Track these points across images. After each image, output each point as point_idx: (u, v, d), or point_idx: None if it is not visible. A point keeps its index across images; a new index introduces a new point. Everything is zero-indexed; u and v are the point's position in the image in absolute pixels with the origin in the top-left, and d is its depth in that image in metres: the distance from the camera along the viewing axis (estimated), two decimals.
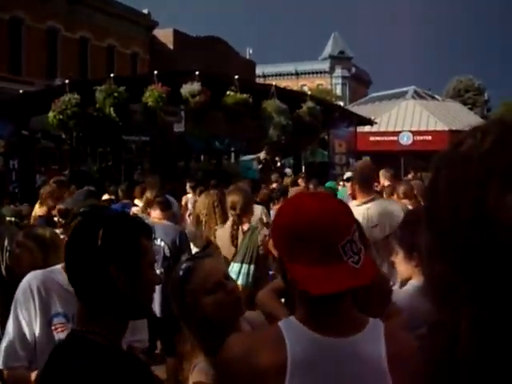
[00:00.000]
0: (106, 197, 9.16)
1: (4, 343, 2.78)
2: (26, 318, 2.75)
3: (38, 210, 6.88)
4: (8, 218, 5.53)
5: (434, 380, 0.86)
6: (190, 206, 9.84)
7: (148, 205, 6.80)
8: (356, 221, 1.65)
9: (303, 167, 19.24)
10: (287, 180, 12.50)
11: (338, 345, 1.60)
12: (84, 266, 1.72)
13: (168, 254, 5.66)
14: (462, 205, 0.77)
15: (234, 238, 5.16)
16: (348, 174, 10.90)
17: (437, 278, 0.81)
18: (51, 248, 3.26)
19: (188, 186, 11.38)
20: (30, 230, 3.47)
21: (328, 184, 10.90)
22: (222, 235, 5.25)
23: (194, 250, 5.84)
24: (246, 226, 5.22)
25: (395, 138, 26.74)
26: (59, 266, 2.86)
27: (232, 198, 5.35)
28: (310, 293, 1.56)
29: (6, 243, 3.79)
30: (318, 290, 1.54)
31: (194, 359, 2.33)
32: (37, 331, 2.75)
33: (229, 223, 5.23)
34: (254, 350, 1.61)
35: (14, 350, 2.73)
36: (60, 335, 2.69)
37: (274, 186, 11.60)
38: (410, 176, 10.93)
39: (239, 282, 4.82)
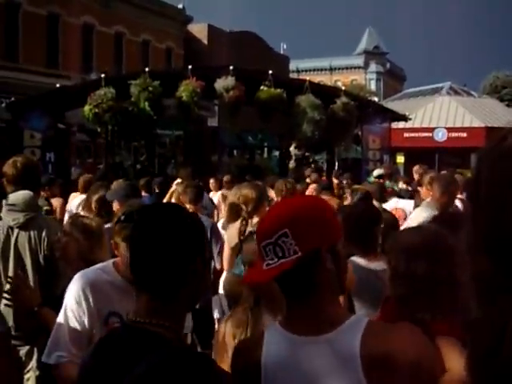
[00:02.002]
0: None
1: (54, 340, 2.76)
2: (78, 318, 2.73)
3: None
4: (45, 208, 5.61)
5: (478, 379, 0.84)
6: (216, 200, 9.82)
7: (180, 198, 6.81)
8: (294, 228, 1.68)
9: (336, 163, 19.12)
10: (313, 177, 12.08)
11: (310, 343, 1.67)
12: (170, 259, 1.73)
13: None
14: (509, 200, 0.75)
15: (241, 234, 5.20)
16: (378, 172, 10.79)
17: (481, 276, 0.79)
18: (97, 237, 3.29)
19: (211, 182, 11.31)
20: (77, 220, 3.51)
21: (370, 179, 10.81)
22: (233, 229, 5.32)
23: None
24: (255, 221, 5.25)
25: (430, 135, 26.44)
26: (110, 263, 2.86)
27: (245, 194, 5.37)
28: (284, 295, 1.75)
29: (44, 234, 3.84)
30: (244, 279, 1.92)
31: (225, 353, 2.40)
32: (91, 330, 2.73)
33: (239, 220, 5.27)
34: (240, 350, 1.85)
35: (64, 347, 2.70)
36: None
37: (308, 180, 11.41)
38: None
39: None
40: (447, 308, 2.08)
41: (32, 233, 3.84)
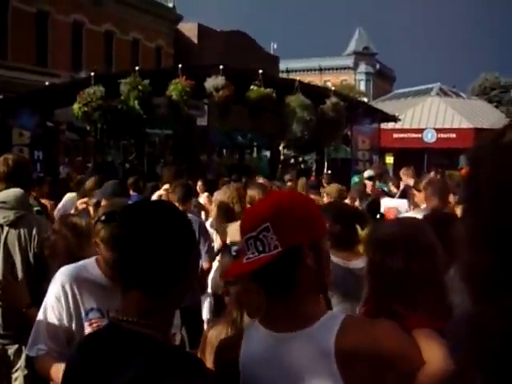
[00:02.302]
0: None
1: (33, 335, 2.81)
2: (57, 314, 2.76)
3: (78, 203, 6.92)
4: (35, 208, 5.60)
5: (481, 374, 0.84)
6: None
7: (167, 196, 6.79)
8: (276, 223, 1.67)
9: (326, 163, 19.16)
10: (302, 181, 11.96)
11: (287, 339, 1.67)
12: (164, 257, 1.69)
13: None
14: (509, 193, 0.76)
15: None
16: (369, 173, 10.83)
17: (480, 271, 0.80)
18: (86, 236, 3.29)
19: (199, 184, 10.36)
20: (66, 219, 3.51)
21: (355, 179, 10.81)
22: (235, 230, 5.26)
23: (218, 241, 5.85)
24: None
25: (419, 136, 26.56)
26: (92, 260, 2.88)
27: (251, 194, 5.37)
28: (263, 292, 1.75)
29: (34, 232, 3.83)
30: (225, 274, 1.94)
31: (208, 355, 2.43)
32: (71, 327, 2.77)
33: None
34: (220, 349, 1.88)
35: (43, 342, 2.75)
36: None
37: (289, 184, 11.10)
38: (432, 174, 10.82)
39: None
40: (422, 303, 2.06)
41: (22, 231, 3.83)
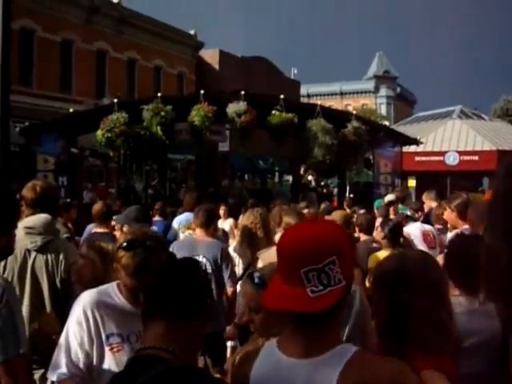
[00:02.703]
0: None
1: (56, 358, 2.82)
2: (78, 338, 2.77)
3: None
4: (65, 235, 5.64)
5: None
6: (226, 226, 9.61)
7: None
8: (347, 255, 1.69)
9: (348, 187, 19.11)
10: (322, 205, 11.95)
11: (295, 366, 1.68)
12: (189, 288, 1.90)
13: (210, 270, 5.67)
14: None
15: None
16: (389, 198, 10.74)
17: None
18: (112, 261, 3.31)
19: (221, 210, 10.20)
20: (94, 243, 3.54)
21: (377, 203, 10.70)
22: (268, 257, 5.23)
23: (241, 266, 5.85)
24: None
25: (441, 158, 26.38)
26: (114, 284, 2.91)
27: (287, 221, 5.34)
28: (287, 316, 1.74)
29: (61, 257, 3.87)
30: (266, 302, 1.77)
31: None
32: (92, 351, 2.77)
33: (274, 247, 5.17)
34: (237, 364, 1.93)
35: (64, 366, 2.76)
36: (117, 355, 2.73)
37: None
38: (463, 195, 10.68)
39: None
40: (429, 342, 2.03)
41: (49, 256, 3.87)
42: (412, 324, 2.07)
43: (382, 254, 5.40)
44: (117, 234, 5.68)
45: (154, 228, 8.51)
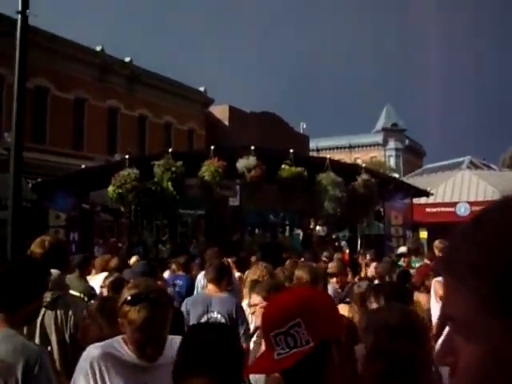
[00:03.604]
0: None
1: None
2: None
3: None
4: (78, 294, 5.61)
5: None
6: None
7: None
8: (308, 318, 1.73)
9: (359, 240, 19.03)
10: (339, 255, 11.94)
11: None
12: (236, 357, 2.02)
13: None
14: None
15: None
16: (401, 250, 10.66)
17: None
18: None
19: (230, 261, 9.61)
20: (104, 306, 3.52)
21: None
22: None
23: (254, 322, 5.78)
24: None
25: (452, 209, 26.30)
26: (119, 338, 2.89)
27: (298, 276, 5.32)
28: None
29: (70, 313, 3.86)
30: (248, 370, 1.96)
31: None
32: None
33: None
34: None
35: None
36: None
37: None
38: None
39: None
40: None
41: (59, 312, 3.86)
42: (418, 371, 2.20)
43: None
44: (104, 290, 5.59)
45: (179, 282, 8.52)
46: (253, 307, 4.25)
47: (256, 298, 4.23)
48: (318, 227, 24.78)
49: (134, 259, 9.33)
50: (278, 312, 1.73)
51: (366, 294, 4.23)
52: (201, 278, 8.30)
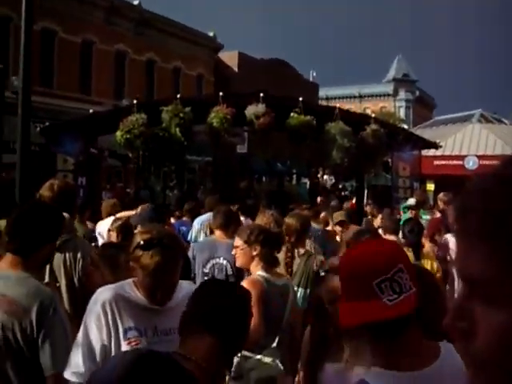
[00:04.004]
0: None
1: (73, 355, 2.80)
2: (96, 333, 2.77)
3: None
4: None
5: None
6: None
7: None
8: (409, 264, 1.77)
9: (366, 190, 19.02)
10: (347, 204, 12.04)
11: (415, 378, 1.67)
12: (245, 318, 2.05)
13: (230, 272, 5.67)
14: None
15: (288, 265, 5.23)
16: (410, 202, 10.61)
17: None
18: (123, 270, 3.34)
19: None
20: (106, 254, 3.55)
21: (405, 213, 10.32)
22: None
23: None
24: (302, 250, 5.24)
25: (460, 163, 26.17)
26: (130, 281, 2.93)
27: (288, 224, 5.36)
28: (378, 338, 1.71)
29: (79, 255, 3.90)
30: (343, 322, 1.73)
31: None
32: (109, 345, 2.77)
33: (283, 249, 5.25)
34: None
35: (81, 364, 2.74)
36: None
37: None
38: None
39: (297, 306, 4.90)
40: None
41: (67, 254, 3.90)
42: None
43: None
44: (113, 233, 5.62)
45: (183, 228, 8.58)
46: (234, 249, 4.33)
47: (238, 241, 4.29)
48: (325, 176, 24.83)
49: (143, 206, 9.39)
50: (380, 260, 1.72)
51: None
52: (195, 224, 8.32)
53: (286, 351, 3.86)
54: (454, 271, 5.56)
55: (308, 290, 5.17)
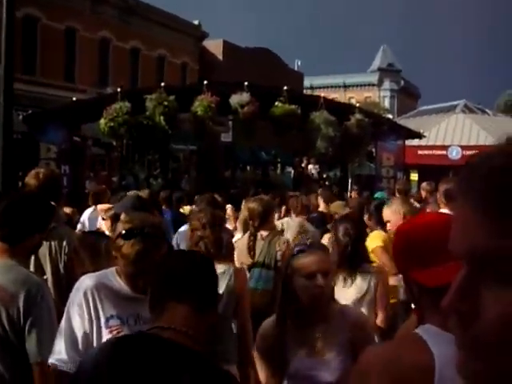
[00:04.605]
0: None
1: (56, 343, 2.82)
2: (78, 321, 2.78)
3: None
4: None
5: None
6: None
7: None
8: None
9: (350, 180, 19.11)
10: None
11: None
12: (215, 284, 2.07)
13: None
14: None
15: (251, 249, 5.29)
16: (381, 194, 10.74)
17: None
18: (104, 257, 3.35)
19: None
20: (86, 241, 3.56)
21: (378, 195, 10.71)
22: (240, 245, 5.42)
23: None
24: (265, 233, 5.32)
25: (444, 153, 26.33)
26: (113, 269, 2.93)
27: (250, 208, 5.42)
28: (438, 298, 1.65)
29: (64, 243, 3.89)
30: (433, 282, 1.70)
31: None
32: (91, 334, 2.78)
33: (247, 234, 5.38)
34: (397, 354, 1.67)
35: (64, 352, 2.76)
36: None
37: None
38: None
39: (261, 287, 4.99)
40: None
41: (53, 243, 3.89)
42: None
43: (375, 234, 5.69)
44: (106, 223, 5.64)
45: (165, 217, 8.56)
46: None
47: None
48: (309, 166, 24.88)
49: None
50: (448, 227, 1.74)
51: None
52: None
53: (228, 338, 3.83)
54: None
55: (271, 272, 5.20)
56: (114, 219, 5.26)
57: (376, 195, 10.76)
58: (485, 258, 0.71)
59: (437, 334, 1.68)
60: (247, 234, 5.37)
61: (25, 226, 3.13)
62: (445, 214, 2.09)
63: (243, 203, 6.81)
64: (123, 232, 2.78)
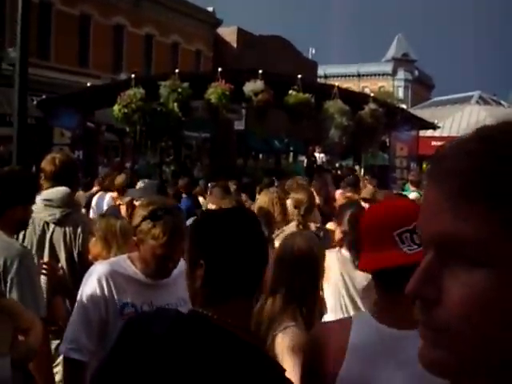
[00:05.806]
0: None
1: (69, 332, 2.81)
2: (92, 308, 2.76)
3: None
4: None
5: None
6: None
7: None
8: None
9: (362, 169, 19.04)
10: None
11: (400, 336, 1.70)
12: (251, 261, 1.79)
13: None
14: None
15: None
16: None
17: None
18: (119, 240, 3.33)
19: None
20: (102, 221, 3.54)
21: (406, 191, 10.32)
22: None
23: None
24: (313, 227, 5.18)
25: None
26: (125, 256, 2.92)
27: (297, 197, 5.32)
28: (382, 288, 1.79)
29: (79, 230, 3.90)
30: (362, 266, 1.85)
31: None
32: (107, 320, 2.77)
33: (293, 223, 5.16)
34: (327, 335, 1.86)
35: (77, 340, 2.75)
36: None
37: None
38: None
39: None
40: None
41: (68, 229, 3.90)
42: None
43: None
44: (122, 208, 5.71)
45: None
46: None
47: None
48: (317, 154, 24.76)
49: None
50: (402, 212, 1.78)
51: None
52: None
53: None
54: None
55: None
56: (131, 205, 5.32)
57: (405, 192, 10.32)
58: (451, 243, 0.70)
59: (366, 320, 1.80)
60: (293, 225, 5.12)
61: (4, 196, 3.09)
62: (406, 199, 2.19)
63: (258, 192, 6.79)
64: (149, 214, 2.70)
